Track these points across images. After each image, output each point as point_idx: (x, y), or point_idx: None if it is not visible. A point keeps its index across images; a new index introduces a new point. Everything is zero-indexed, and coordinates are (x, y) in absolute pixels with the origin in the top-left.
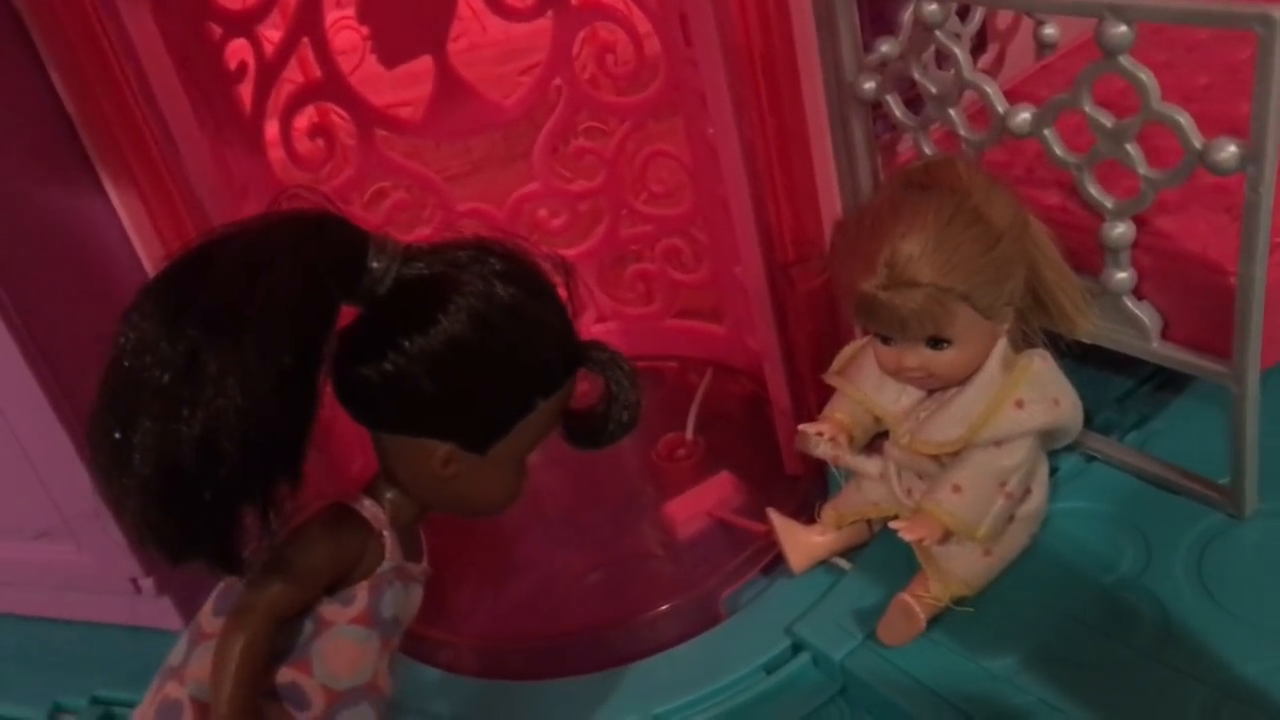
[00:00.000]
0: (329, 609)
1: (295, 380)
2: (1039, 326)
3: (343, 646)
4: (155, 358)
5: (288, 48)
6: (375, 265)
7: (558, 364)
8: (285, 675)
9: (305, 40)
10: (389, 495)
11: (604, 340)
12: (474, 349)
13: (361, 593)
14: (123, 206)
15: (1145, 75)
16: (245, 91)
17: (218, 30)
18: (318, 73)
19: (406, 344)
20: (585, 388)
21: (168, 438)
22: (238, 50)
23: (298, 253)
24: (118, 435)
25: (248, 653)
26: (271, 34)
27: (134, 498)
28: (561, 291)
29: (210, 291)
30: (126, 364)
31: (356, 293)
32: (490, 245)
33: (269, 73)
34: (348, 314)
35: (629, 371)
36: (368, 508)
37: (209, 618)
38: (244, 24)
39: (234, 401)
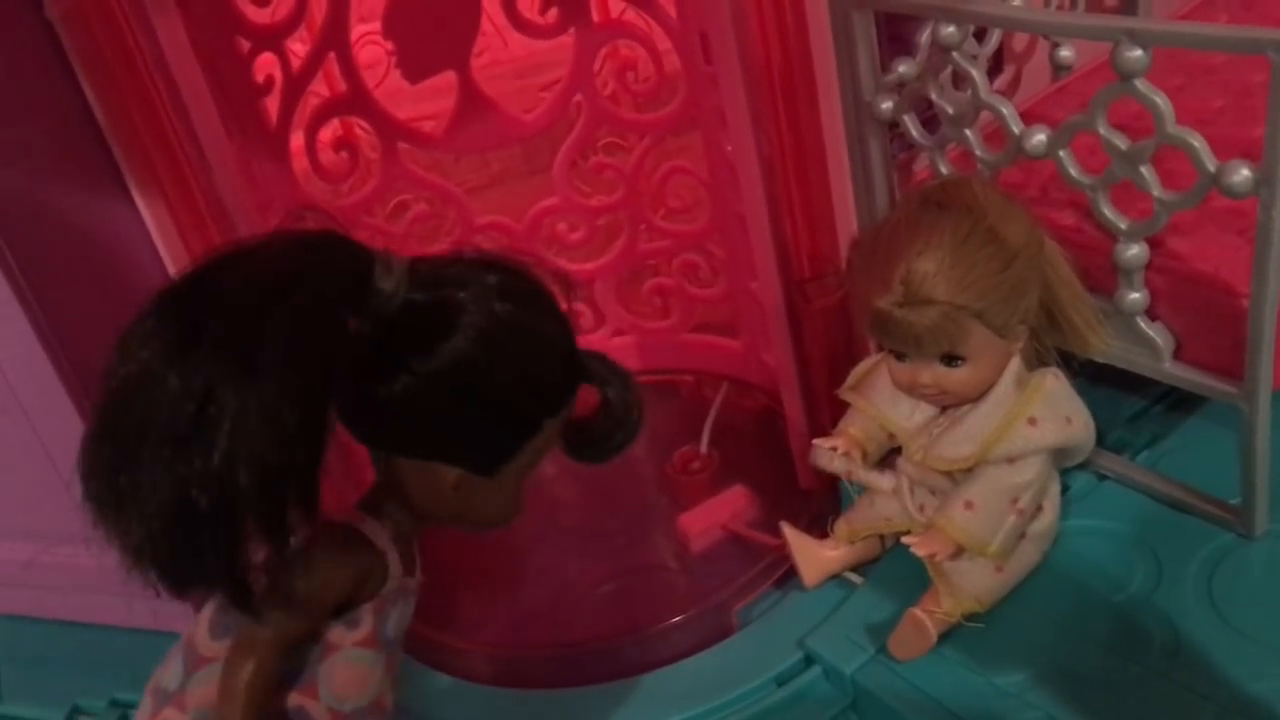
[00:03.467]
0: (334, 632)
1: (312, 411)
2: (1052, 345)
3: (349, 670)
4: (163, 392)
5: (314, 62)
6: (383, 286)
7: (562, 381)
8: (293, 700)
9: (331, 55)
10: (390, 511)
11: (608, 353)
12: (482, 370)
13: (367, 615)
14: (150, 215)
15: (1160, 99)
16: (272, 104)
17: (246, 44)
18: (343, 87)
19: (417, 366)
20: (587, 398)
21: (181, 474)
22: (265, 64)
23: (310, 281)
24: (120, 469)
25: (255, 681)
26: (298, 48)
27: (138, 532)
28: (562, 304)
29: (222, 323)
30: (128, 395)
31: (364, 314)
32: (493, 262)
33: (295, 86)
34: None
35: (628, 383)
36: (371, 527)
37: (206, 641)
38: (272, 38)
39: (254, 438)
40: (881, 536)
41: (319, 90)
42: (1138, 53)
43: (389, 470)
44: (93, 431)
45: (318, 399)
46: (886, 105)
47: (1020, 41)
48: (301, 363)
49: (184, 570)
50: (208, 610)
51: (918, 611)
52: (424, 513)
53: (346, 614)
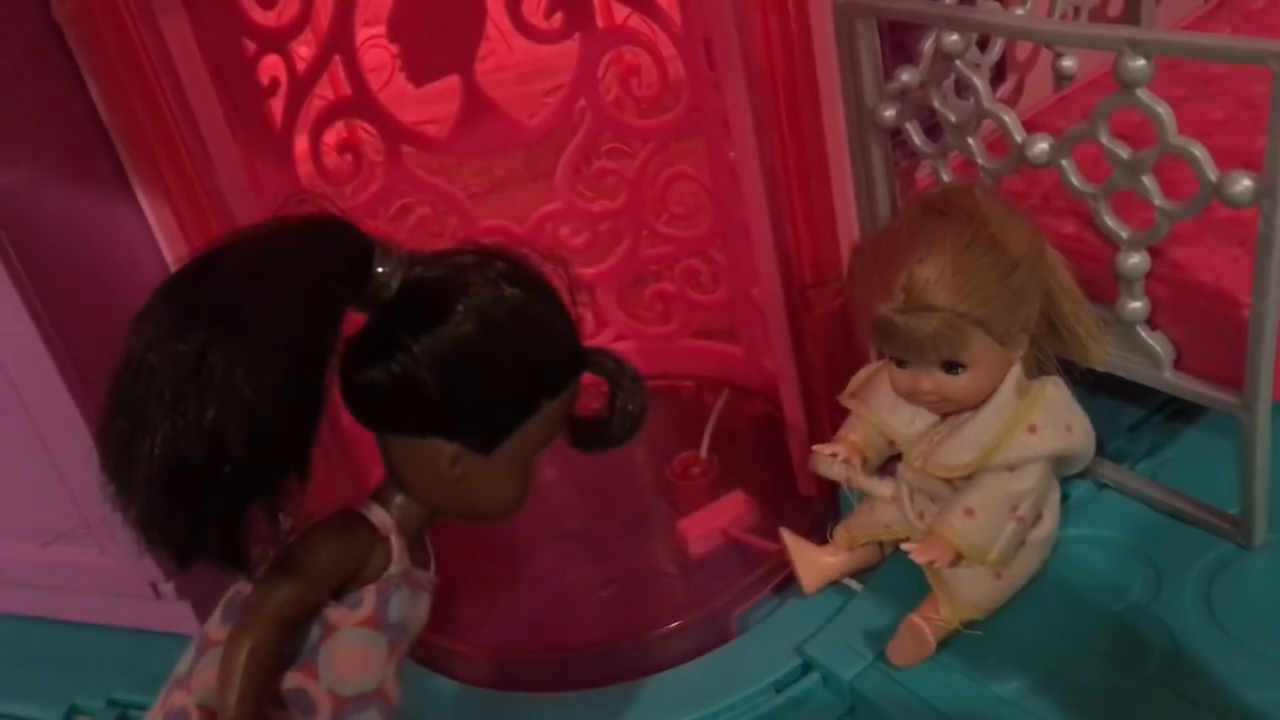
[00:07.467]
0: (335, 612)
1: (301, 378)
2: (1053, 354)
3: (349, 650)
4: (164, 356)
5: (319, 65)
6: (381, 270)
7: (562, 365)
8: (291, 681)
9: (336, 58)
10: (397, 500)
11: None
12: (480, 349)
13: (369, 596)
14: (154, 216)
15: (1163, 109)
16: (277, 106)
17: (252, 46)
18: (347, 90)
19: (413, 345)
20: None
21: (176, 434)
22: (271, 66)
23: (304, 254)
24: (126, 434)
25: (254, 657)
26: (304, 51)
27: (141, 497)
28: (564, 295)
29: (217, 290)
30: (136, 364)
31: (363, 297)
32: (493, 251)
33: (300, 88)
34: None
35: (632, 375)
36: (375, 513)
37: (216, 625)
38: (278, 40)
39: (240, 395)
40: (881, 543)
41: (324, 93)
42: (1140, 62)
43: (390, 457)
44: (106, 402)
45: (309, 364)
46: (889, 113)
47: (1023, 51)
48: (291, 326)
49: (183, 536)
50: (224, 598)
51: (916, 618)
52: (424, 498)
53: (347, 595)
